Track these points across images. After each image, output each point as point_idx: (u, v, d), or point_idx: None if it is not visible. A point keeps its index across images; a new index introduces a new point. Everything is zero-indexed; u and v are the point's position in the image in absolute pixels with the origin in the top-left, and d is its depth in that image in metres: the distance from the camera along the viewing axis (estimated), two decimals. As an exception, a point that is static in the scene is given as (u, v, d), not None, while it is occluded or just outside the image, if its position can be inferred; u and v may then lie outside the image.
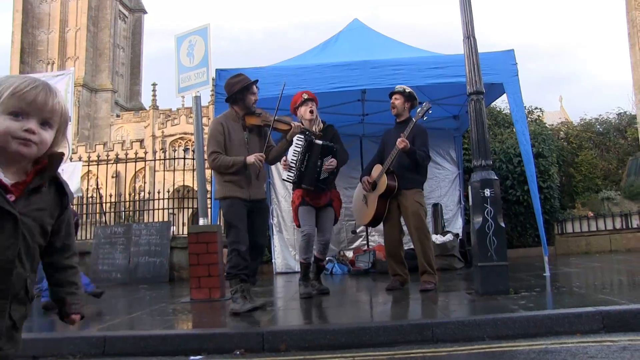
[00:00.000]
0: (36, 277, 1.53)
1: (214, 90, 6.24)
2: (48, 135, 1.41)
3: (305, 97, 5.23)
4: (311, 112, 5.19)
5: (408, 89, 5.54)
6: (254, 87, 4.73)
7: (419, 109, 5.22)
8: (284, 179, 5.31)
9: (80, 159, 10.41)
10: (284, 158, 5.02)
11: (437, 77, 6.02)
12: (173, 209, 11.49)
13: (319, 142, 5.02)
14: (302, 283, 5.20)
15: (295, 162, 5.01)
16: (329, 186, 5.18)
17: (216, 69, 6.13)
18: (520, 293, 4.38)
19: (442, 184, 9.01)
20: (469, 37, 4.90)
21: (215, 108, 6.05)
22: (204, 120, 6.31)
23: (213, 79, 6.26)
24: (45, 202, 1.45)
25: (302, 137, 4.97)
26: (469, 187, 4.80)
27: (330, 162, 5.03)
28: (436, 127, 8.24)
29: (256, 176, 4.56)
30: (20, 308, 1.40)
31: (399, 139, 5.14)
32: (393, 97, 5.56)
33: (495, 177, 4.61)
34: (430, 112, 5.26)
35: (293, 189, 5.40)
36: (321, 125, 5.27)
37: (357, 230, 8.89)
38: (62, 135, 1.48)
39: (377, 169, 5.54)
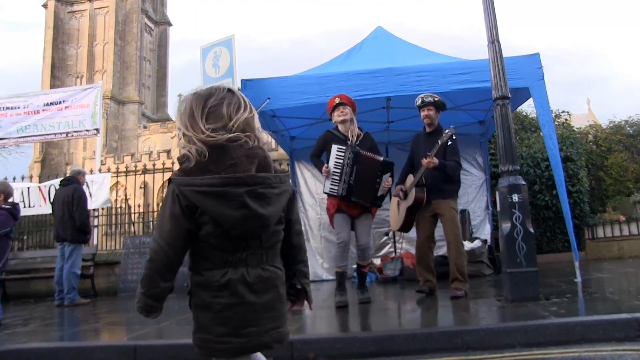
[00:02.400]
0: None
1: (239, 99, 6.31)
2: None
3: (337, 102, 5.17)
4: (343, 114, 5.11)
5: (436, 98, 5.50)
6: None
7: (444, 133, 5.17)
8: (326, 192, 5.14)
9: (109, 170, 10.58)
10: (324, 167, 5.01)
11: (462, 82, 5.99)
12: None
13: (380, 158, 5.02)
14: (337, 292, 5.08)
15: (339, 174, 4.95)
16: (382, 203, 5.13)
17: (241, 79, 6.24)
18: (550, 299, 4.31)
19: (469, 190, 8.91)
20: (494, 41, 4.86)
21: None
22: (230, 129, 6.32)
23: (239, 89, 6.30)
24: None
25: (344, 147, 4.94)
26: (497, 193, 4.75)
27: (388, 181, 5.03)
28: (462, 133, 8.13)
29: None
30: None
31: (425, 160, 5.13)
32: (426, 108, 5.50)
33: (523, 182, 4.56)
34: (454, 137, 5.21)
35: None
36: (357, 131, 5.17)
37: (389, 234, 8.87)
38: None
39: (409, 180, 5.57)
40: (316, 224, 8.81)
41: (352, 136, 5.08)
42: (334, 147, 4.99)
